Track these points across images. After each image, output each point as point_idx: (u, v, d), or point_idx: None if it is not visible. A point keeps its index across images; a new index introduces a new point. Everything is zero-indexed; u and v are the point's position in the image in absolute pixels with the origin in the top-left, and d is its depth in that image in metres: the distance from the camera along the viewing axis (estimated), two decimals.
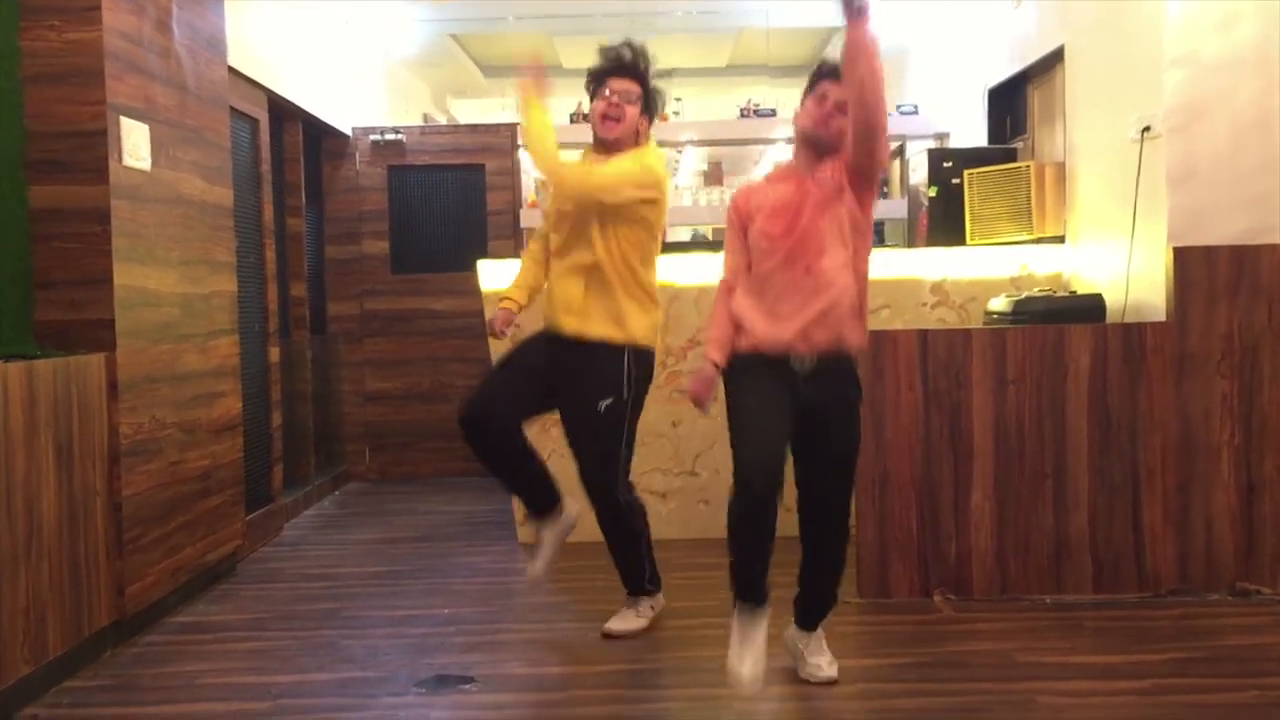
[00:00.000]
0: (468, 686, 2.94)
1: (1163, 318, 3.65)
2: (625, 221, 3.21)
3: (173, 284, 3.68)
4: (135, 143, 3.42)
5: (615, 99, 3.21)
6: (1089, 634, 3.27)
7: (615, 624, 3.35)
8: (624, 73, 3.24)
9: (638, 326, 3.26)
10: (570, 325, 3.24)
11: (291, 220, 5.59)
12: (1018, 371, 3.60)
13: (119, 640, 3.32)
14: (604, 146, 3.26)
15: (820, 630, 2.98)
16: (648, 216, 3.25)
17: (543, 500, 3.38)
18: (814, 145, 2.81)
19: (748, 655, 2.68)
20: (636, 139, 3.28)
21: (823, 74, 2.82)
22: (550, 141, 3.22)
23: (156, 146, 3.57)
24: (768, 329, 2.77)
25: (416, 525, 5.04)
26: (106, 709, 2.87)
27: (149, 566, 3.45)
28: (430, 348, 6.23)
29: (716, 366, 2.83)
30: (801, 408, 2.75)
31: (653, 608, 3.41)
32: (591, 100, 3.25)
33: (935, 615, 3.48)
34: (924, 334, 3.64)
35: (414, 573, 4.14)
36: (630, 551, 3.39)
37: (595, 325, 3.22)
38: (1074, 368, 3.59)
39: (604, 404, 3.22)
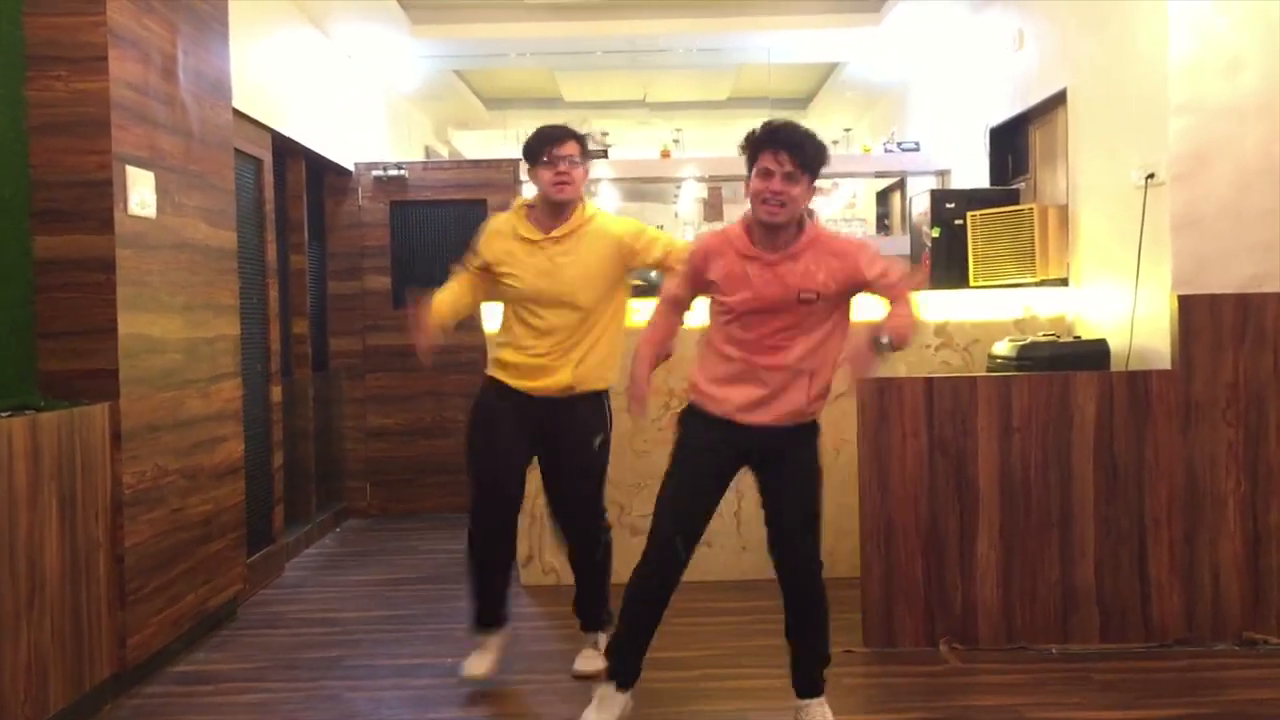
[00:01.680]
0: None
1: (1168, 365, 3.65)
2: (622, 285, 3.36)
3: (177, 330, 3.68)
4: (140, 191, 3.42)
5: (563, 165, 3.25)
6: (1097, 687, 3.24)
7: (584, 665, 3.38)
8: (566, 137, 3.31)
9: (614, 371, 3.37)
10: (555, 390, 3.28)
11: (294, 257, 5.59)
12: (1023, 419, 3.59)
13: (119, 692, 3.29)
14: (554, 210, 3.29)
15: (821, 699, 2.94)
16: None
17: (503, 613, 3.44)
18: (772, 229, 2.71)
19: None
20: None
21: (761, 143, 2.67)
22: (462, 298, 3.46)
23: (161, 194, 3.57)
24: (726, 401, 2.79)
25: (418, 565, 5.01)
26: None
27: (150, 616, 3.43)
28: (432, 383, 6.21)
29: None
30: (754, 461, 2.83)
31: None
32: (535, 169, 3.29)
33: (941, 666, 3.45)
34: (929, 381, 3.63)
35: (417, 618, 4.12)
36: (600, 587, 3.45)
37: (584, 383, 3.28)
38: (1080, 416, 3.59)
39: (597, 441, 3.34)
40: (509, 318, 3.35)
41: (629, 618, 2.87)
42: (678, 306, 2.99)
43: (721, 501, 4.60)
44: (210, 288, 3.98)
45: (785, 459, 2.82)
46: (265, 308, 4.89)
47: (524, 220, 3.34)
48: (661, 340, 3.00)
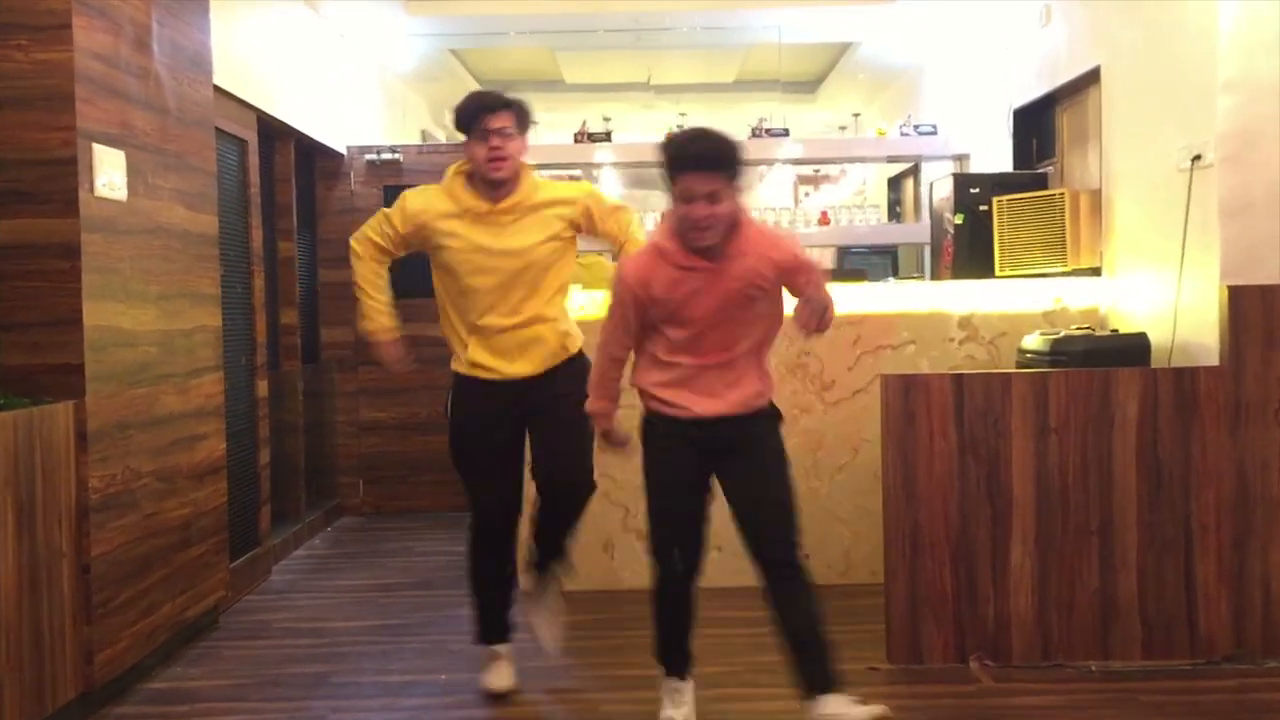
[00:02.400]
0: None
1: (1215, 361, 3.39)
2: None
3: (150, 321, 3.42)
4: (109, 171, 3.16)
5: (497, 140, 2.99)
6: (1141, 710, 3.00)
7: (548, 634, 3.27)
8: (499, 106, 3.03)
9: (574, 331, 3.18)
10: (527, 370, 3.09)
11: (283, 244, 5.33)
12: (1061, 419, 3.34)
13: (87, 714, 3.04)
14: (492, 187, 3.05)
15: (834, 694, 2.66)
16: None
17: (510, 623, 3.27)
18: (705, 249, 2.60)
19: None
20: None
21: (677, 164, 2.53)
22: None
23: (133, 174, 3.31)
24: (678, 402, 2.68)
25: (412, 569, 4.77)
26: None
27: (121, 630, 3.18)
28: (428, 375, 5.90)
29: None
30: (719, 456, 2.70)
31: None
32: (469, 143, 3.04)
33: (972, 684, 3.21)
34: (959, 378, 3.38)
35: (409, 628, 3.87)
36: (570, 531, 3.24)
37: (553, 357, 3.10)
38: (1121, 415, 3.34)
39: (578, 400, 3.06)
40: (449, 299, 3.13)
41: (663, 633, 2.82)
42: (619, 361, 2.78)
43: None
44: (188, 276, 3.72)
45: (750, 447, 2.71)
46: (250, 297, 4.63)
47: (464, 189, 3.06)
48: (614, 397, 2.82)
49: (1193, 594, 3.33)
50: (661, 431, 2.72)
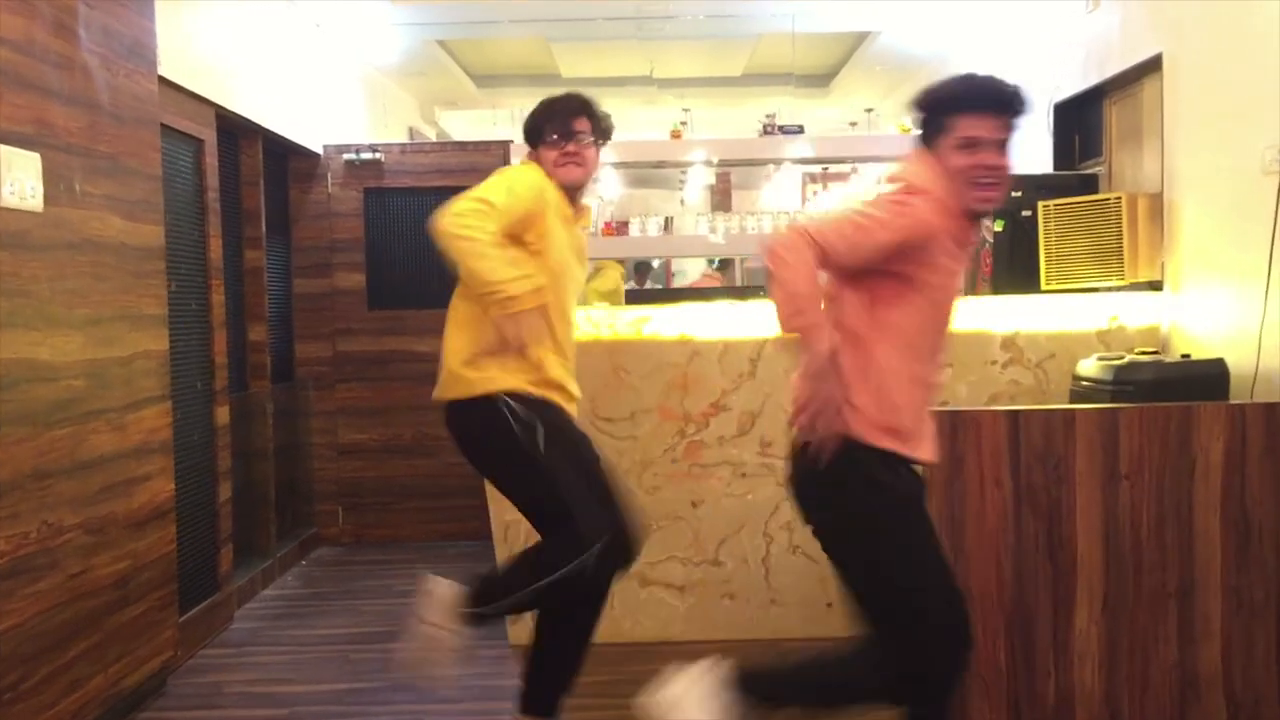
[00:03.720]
0: None
1: None
2: None
3: (76, 350, 2.95)
4: (18, 176, 2.69)
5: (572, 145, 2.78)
6: None
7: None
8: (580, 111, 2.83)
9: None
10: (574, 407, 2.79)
11: (250, 254, 4.86)
12: (1133, 464, 2.87)
13: None
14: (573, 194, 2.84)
15: None
16: None
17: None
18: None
19: None
20: None
21: (976, 103, 2.19)
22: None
23: (52, 180, 2.84)
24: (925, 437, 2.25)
25: (390, 612, 4.29)
26: None
27: (37, 714, 2.72)
28: (412, 394, 5.45)
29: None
30: None
31: None
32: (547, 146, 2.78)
33: None
34: (1014, 416, 2.91)
35: (379, 693, 3.41)
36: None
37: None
38: (1204, 459, 2.86)
39: None
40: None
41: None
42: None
43: (748, 546, 3.92)
44: (125, 295, 3.25)
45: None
46: (208, 314, 4.16)
47: (555, 189, 2.76)
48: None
49: None
50: (906, 479, 2.22)
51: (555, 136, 2.76)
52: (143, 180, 3.39)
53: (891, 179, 2.27)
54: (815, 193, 10.02)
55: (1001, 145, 2.17)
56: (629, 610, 3.81)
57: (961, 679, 2.26)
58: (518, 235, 2.64)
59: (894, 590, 2.21)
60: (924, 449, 2.25)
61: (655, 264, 10.14)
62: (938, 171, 2.18)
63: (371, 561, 5.17)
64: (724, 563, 3.82)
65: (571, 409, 2.73)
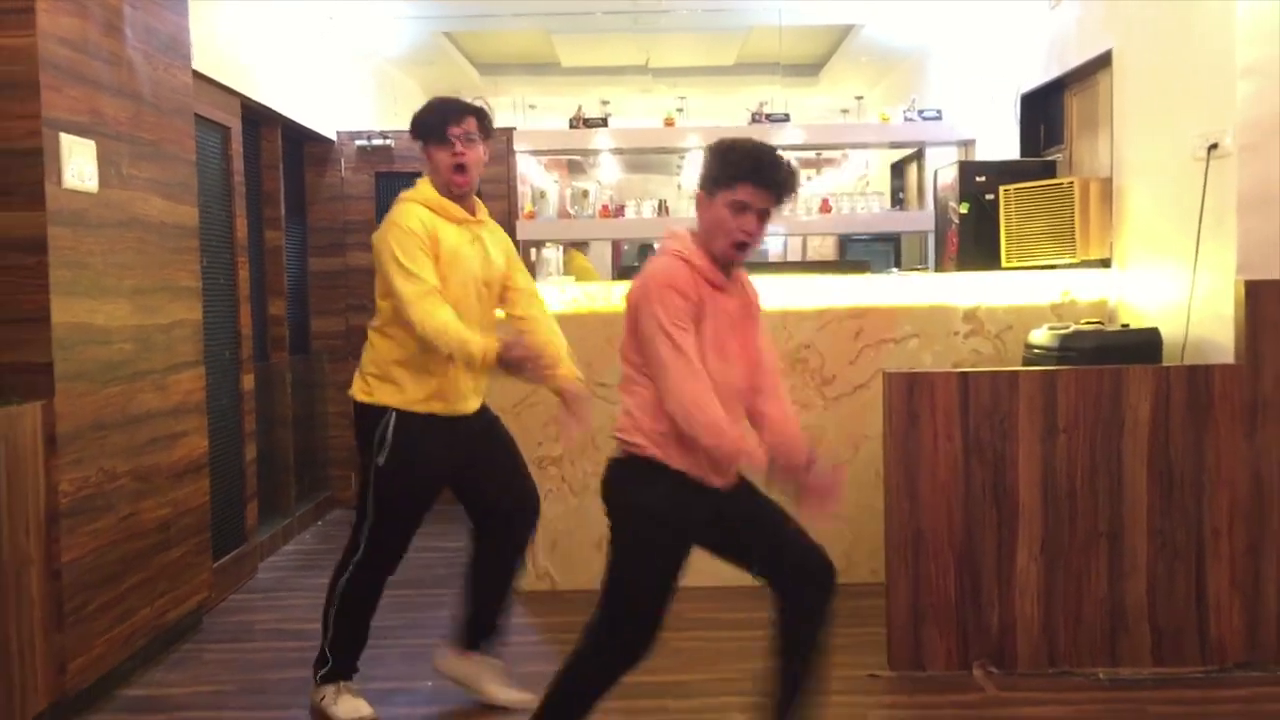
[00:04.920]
0: None
1: (1231, 359, 3.27)
2: None
3: (125, 317, 3.30)
4: (78, 162, 3.03)
5: (460, 145, 2.89)
6: None
7: (505, 695, 3.04)
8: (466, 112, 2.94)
9: None
10: (475, 404, 3.00)
11: (270, 233, 5.20)
12: (1070, 420, 3.22)
13: None
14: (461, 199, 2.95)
15: None
16: None
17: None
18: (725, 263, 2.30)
19: None
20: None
21: (746, 174, 2.21)
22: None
23: (105, 164, 3.18)
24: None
25: (401, 566, 4.64)
26: None
27: (96, 636, 3.08)
28: None
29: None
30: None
31: None
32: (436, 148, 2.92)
33: (976, 693, 3.11)
34: (965, 376, 3.25)
35: (394, 631, 3.76)
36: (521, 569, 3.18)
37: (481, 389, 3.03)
38: (1133, 415, 3.21)
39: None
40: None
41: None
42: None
43: None
44: (166, 269, 3.59)
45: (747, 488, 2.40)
46: (234, 289, 4.51)
47: (443, 200, 2.91)
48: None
49: (1204, 600, 3.22)
50: (684, 495, 2.31)
51: (444, 138, 2.89)
52: (179, 165, 3.73)
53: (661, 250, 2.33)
54: (809, 178, 10.31)
55: (763, 215, 2.25)
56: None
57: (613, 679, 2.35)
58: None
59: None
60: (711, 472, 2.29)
61: (656, 246, 10.44)
62: (702, 222, 2.28)
63: None
64: None
65: (468, 405, 2.95)
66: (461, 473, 2.99)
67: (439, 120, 2.91)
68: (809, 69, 8.29)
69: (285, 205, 5.34)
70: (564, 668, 2.37)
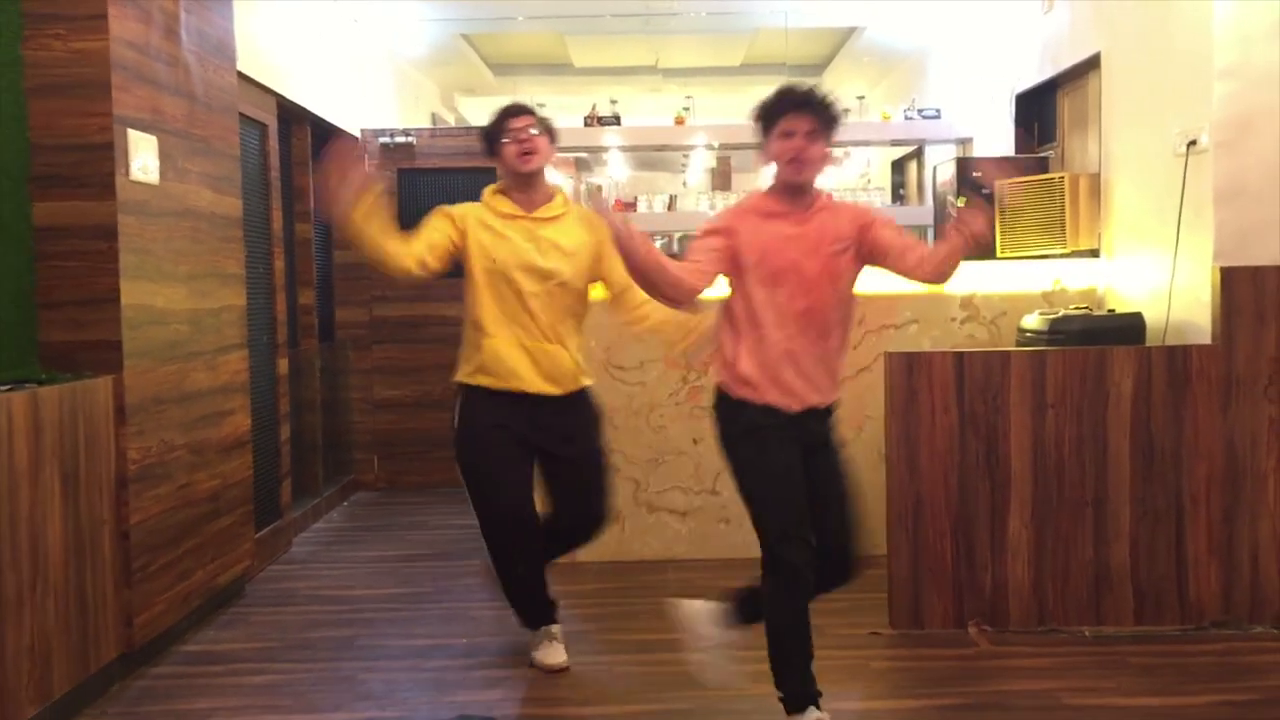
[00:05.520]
0: None
1: (1207, 340, 3.52)
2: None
3: (181, 300, 3.56)
4: (143, 156, 3.29)
5: (524, 135, 3.14)
6: (1132, 671, 3.15)
7: (552, 658, 3.23)
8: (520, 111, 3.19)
9: (586, 362, 3.29)
10: (554, 389, 3.16)
11: (300, 226, 5.46)
12: (1057, 395, 3.47)
13: (126, 674, 3.20)
14: (526, 184, 3.18)
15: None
16: None
17: (548, 609, 3.30)
18: (796, 188, 2.65)
19: None
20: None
21: (781, 106, 2.59)
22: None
23: (164, 158, 3.44)
24: (776, 386, 2.62)
25: (430, 540, 4.92)
26: None
27: (158, 594, 3.34)
28: (441, 354, 6.04)
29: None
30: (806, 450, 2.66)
31: None
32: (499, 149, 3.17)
33: (971, 649, 3.36)
34: (960, 356, 3.51)
35: (430, 595, 4.02)
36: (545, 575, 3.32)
37: (576, 380, 3.21)
38: (1116, 392, 3.47)
39: (599, 439, 3.30)
40: (492, 301, 3.11)
41: (783, 652, 2.62)
42: (700, 274, 2.60)
43: None
44: (215, 257, 3.85)
45: (829, 447, 2.72)
46: (271, 277, 4.77)
47: (500, 199, 3.19)
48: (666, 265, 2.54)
49: (1183, 563, 3.47)
50: (756, 414, 2.61)
51: (507, 137, 3.14)
52: (226, 160, 3.98)
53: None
54: None
55: (809, 135, 2.57)
56: (638, 533, 4.42)
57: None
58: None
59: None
60: (771, 396, 2.61)
61: (660, 242, 10.72)
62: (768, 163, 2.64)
63: (406, 504, 5.77)
64: (720, 492, 4.41)
65: (541, 388, 3.12)
66: (537, 453, 3.17)
67: (500, 119, 3.18)
68: (813, 69, 8.55)
69: (313, 199, 5.59)
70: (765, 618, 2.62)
